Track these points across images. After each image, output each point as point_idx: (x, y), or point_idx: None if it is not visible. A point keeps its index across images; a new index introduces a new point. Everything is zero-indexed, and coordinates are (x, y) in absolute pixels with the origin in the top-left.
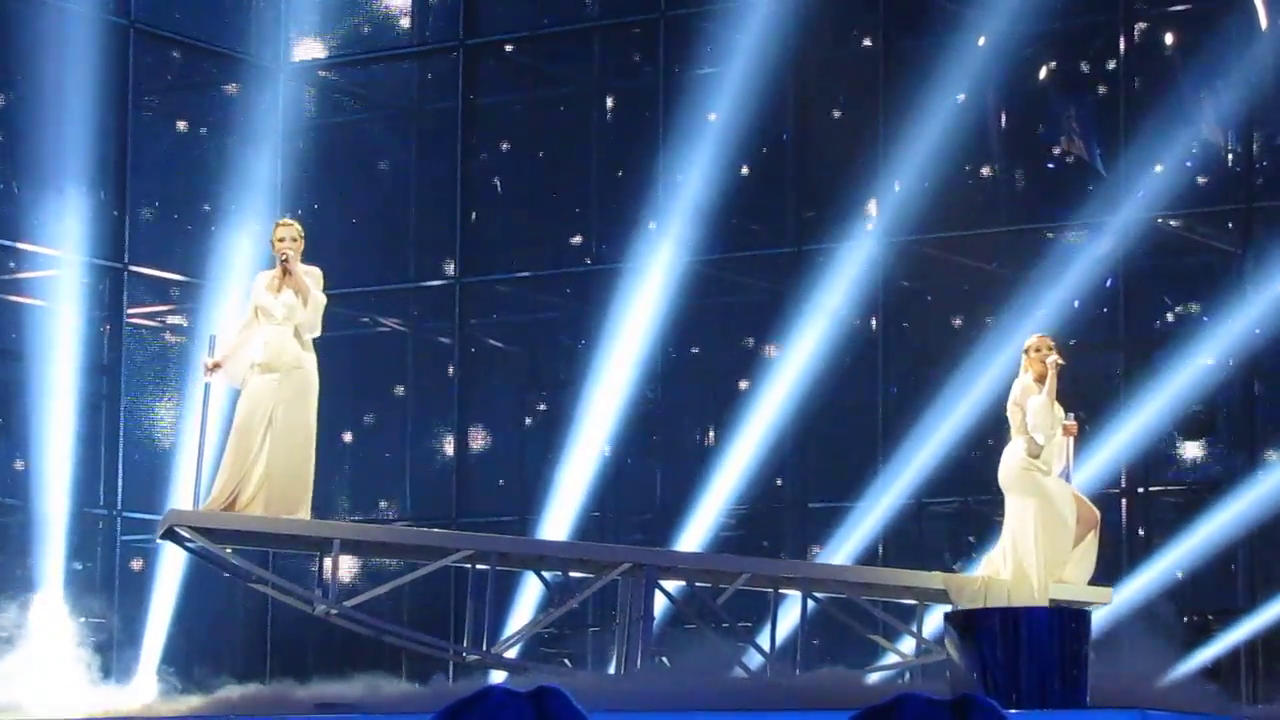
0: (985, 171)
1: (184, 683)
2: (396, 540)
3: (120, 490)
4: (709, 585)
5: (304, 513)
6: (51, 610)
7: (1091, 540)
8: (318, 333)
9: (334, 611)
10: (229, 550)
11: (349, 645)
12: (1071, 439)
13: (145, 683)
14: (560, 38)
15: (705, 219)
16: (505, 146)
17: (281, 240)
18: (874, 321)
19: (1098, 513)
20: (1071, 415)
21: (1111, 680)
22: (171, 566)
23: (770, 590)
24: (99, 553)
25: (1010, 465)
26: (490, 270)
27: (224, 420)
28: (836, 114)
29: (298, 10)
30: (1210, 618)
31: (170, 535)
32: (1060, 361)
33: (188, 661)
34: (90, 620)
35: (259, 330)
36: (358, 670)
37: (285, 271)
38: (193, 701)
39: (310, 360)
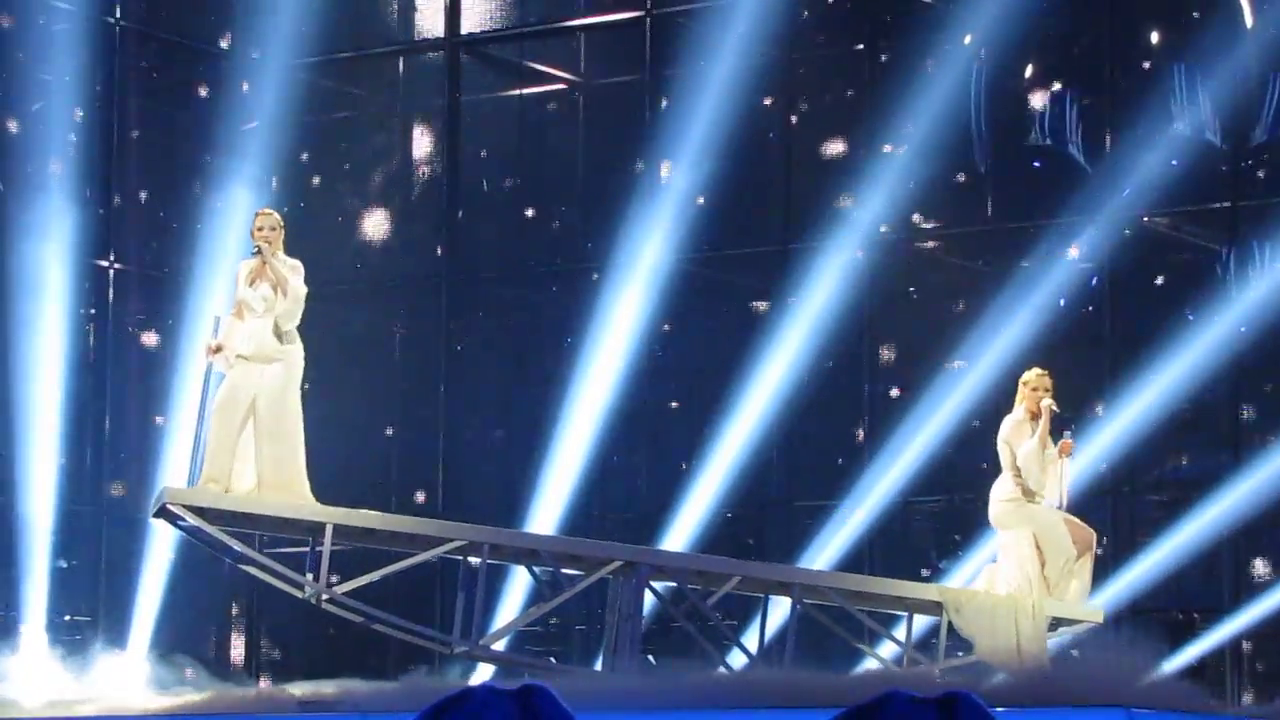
0: (971, 170)
1: (169, 681)
2: (389, 528)
3: (106, 488)
4: (698, 588)
5: (301, 500)
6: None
7: (1086, 560)
8: (295, 323)
9: (325, 597)
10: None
11: (334, 643)
12: (1066, 459)
13: (130, 680)
14: (546, 35)
15: (692, 217)
16: (492, 144)
17: (260, 230)
18: (860, 319)
19: (1092, 533)
20: (1068, 432)
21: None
22: (158, 562)
23: (761, 595)
24: (84, 550)
25: (999, 501)
26: (477, 267)
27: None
28: (823, 112)
29: (284, 8)
30: (1195, 616)
31: (163, 514)
32: (1054, 407)
33: (172, 659)
34: (76, 618)
35: (241, 324)
36: (343, 669)
37: (262, 262)
38: (178, 700)
39: (290, 352)
